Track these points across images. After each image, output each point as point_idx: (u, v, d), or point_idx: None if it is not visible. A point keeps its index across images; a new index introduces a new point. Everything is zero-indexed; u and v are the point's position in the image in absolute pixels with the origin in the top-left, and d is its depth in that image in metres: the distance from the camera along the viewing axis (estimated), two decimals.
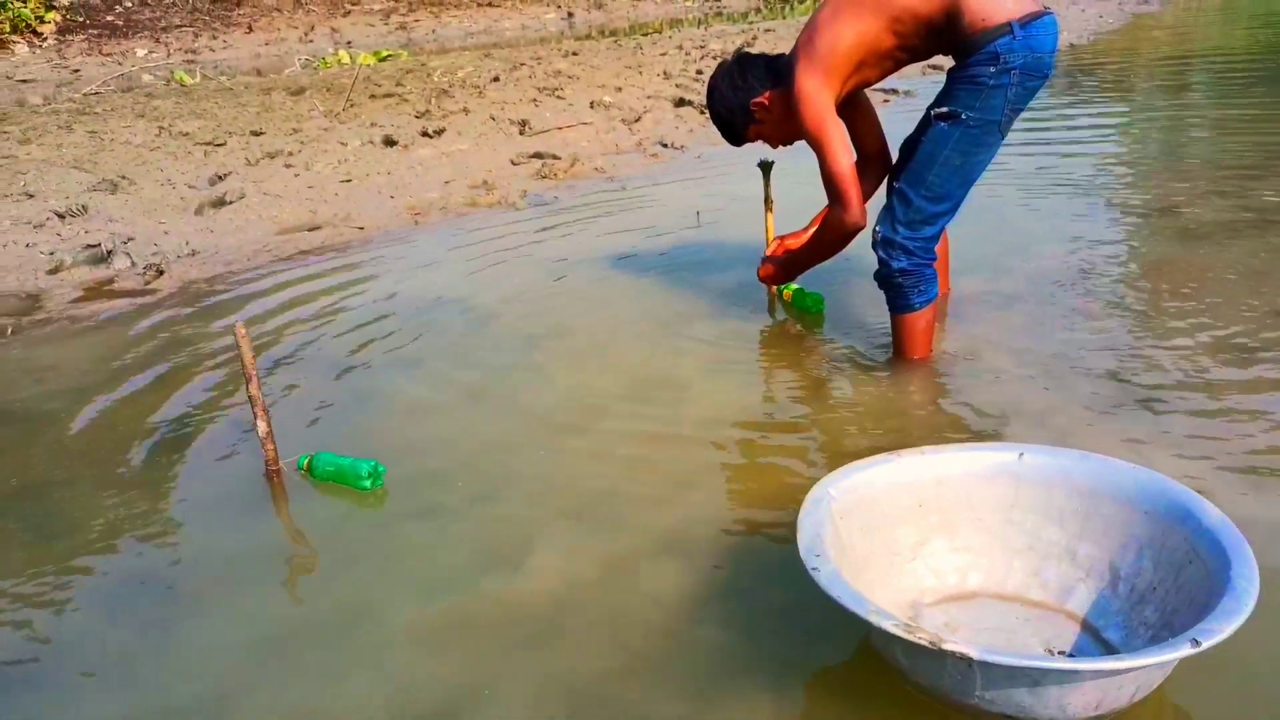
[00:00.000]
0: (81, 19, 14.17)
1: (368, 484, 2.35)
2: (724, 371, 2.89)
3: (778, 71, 2.73)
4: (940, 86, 2.60)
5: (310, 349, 3.28)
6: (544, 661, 1.74)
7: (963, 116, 2.49)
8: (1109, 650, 1.62)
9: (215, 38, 14.36)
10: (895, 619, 1.38)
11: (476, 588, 1.98)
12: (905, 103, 7.45)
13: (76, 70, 11.57)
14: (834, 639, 1.71)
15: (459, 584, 2.00)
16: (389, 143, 6.29)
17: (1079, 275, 3.42)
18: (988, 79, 2.46)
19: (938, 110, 2.55)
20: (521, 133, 6.71)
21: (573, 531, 2.15)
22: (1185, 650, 1.30)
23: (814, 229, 3.01)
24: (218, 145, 6.11)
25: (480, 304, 3.58)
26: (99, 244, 4.34)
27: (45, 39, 13.05)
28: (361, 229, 4.81)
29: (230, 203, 5.05)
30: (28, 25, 12.81)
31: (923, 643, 1.35)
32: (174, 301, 3.85)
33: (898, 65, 2.64)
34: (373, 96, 7.76)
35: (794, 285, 3.31)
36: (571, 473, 2.39)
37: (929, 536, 1.80)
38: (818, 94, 2.55)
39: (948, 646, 1.34)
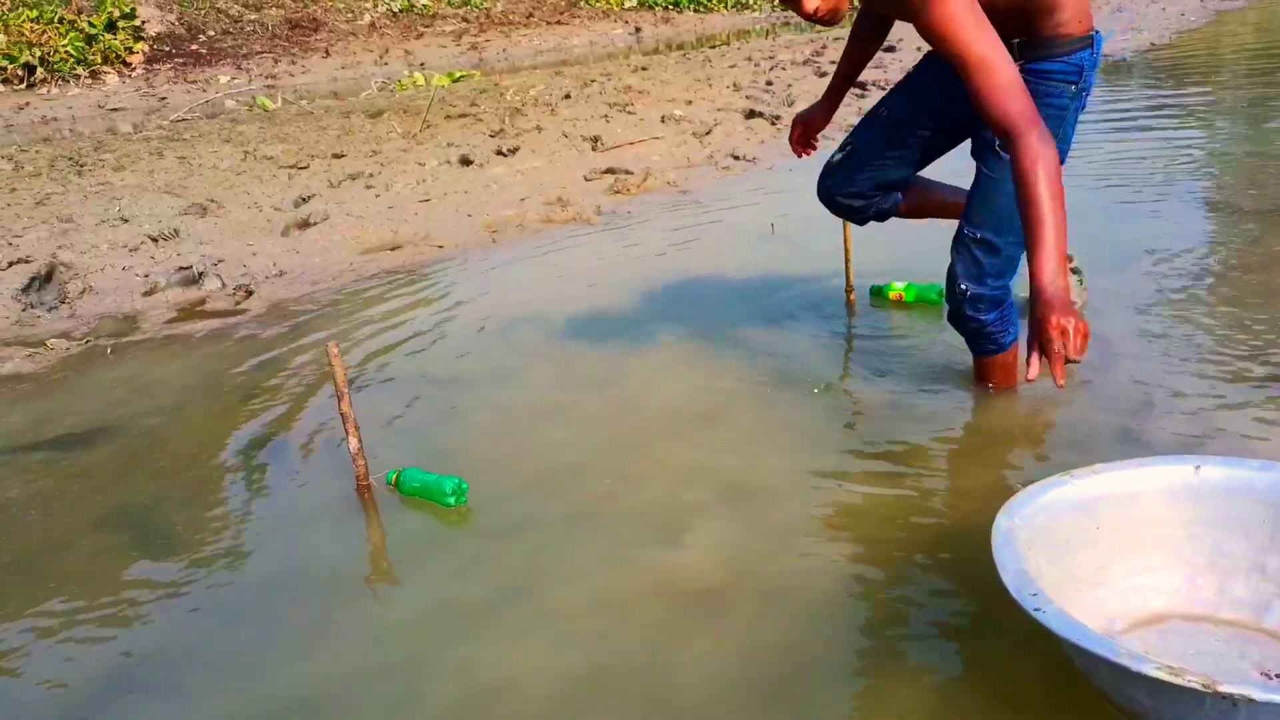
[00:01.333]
0: (168, 48, 14.67)
1: (451, 501, 2.38)
2: (839, 374, 2.95)
3: None
4: None
5: (399, 365, 3.36)
6: (708, 634, 1.83)
7: None
8: None
9: (294, 63, 14.75)
10: (1156, 662, 1.29)
11: (634, 567, 2.07)
12: None
13: (164, 98, 11.98)
14: (999, 630, 1.73)
15: (615, 564, 2.09)
16: (465, 162, 6.39)
17: (1207, 272, 3.47)
18: (1067, 101, 2.22)
19: None
20: (594, 149, 6.77)
21: (725, 514, 2.23)
22: None
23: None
24: (301, 168, 6.28)
25: (567, 318, 3.62)
26: (191, 266, 4.50)
27: (134, 69, 13.54)
28: (441, 247, 4.90)
29: (314, 224, 5.19)
30: (118, 56, 13.29)
31: (1194, 685, 1.25)
32: (263, 321, 3.96)
33: None
34: (448, 117, 7.90)
35: (898, 285, 3.40)
36: (712, 461, 2.47)
37: (1109, 559, 1.73)
38: None
39: (1224, 689, 1.24)
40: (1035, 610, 1.40)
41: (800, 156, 2.91)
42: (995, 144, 2.19)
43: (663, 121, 7.43)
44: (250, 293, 4.28)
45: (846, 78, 2.76)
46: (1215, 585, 1.71)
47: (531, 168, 6.32)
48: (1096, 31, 2.23)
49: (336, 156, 6.60)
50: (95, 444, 2.93)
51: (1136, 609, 1.72)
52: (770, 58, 11.02)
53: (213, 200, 5.54)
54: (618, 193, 5.72)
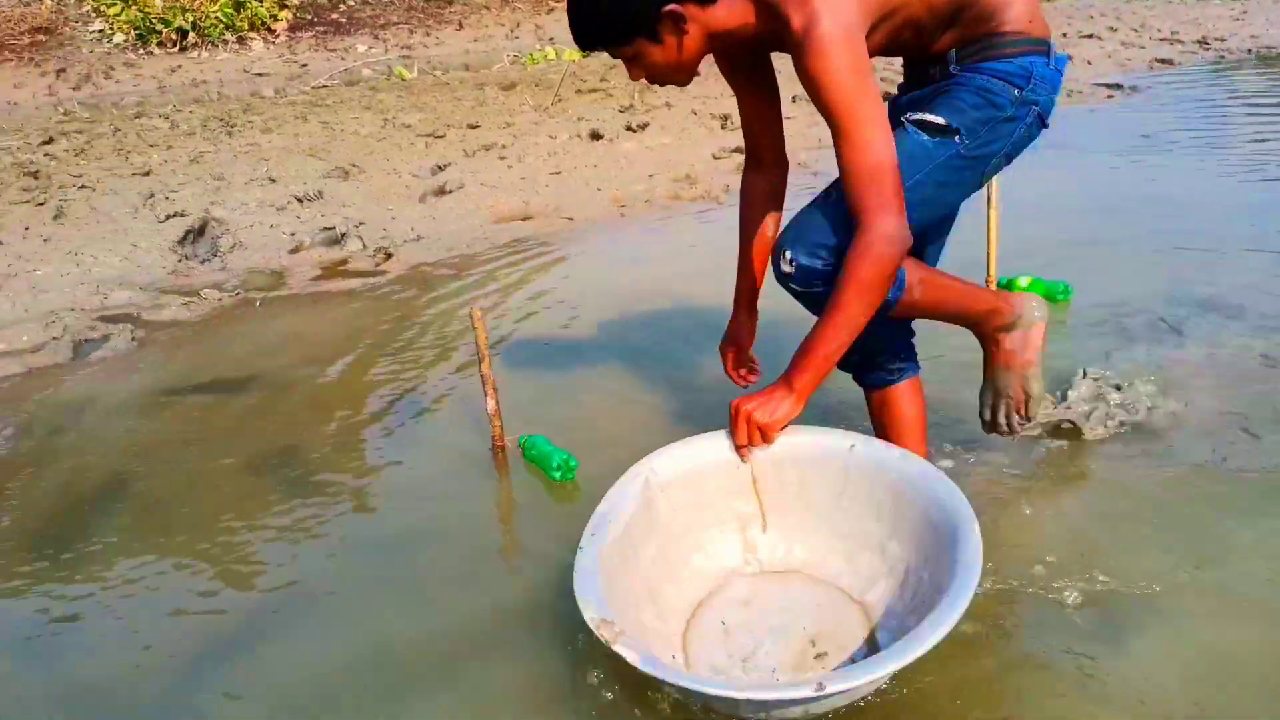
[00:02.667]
0: (309, 17, 15.17)
1: (557, 475, 2.42)
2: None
3: None
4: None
5: (529, 333, 3.43)
6: None
7: (956, 139, 1.80)
8: (874, 649, 1.69)
9: (429, 34, 15.08)
10: (729, 686, 1.47)
11: None
12: (1131, 103, 7.04)
13: (304, 65, 12.41)
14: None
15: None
16: (595, 136, 6.46)
17: None
18: (1006, 103, 1.80)
19: (922, 118, 1.82)
20: (723, 127, 6.75)
21: None
22: (806, 691, 1.36)
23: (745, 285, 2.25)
24: (438, 137, 6.44)
25: (694, 294, 3.64)
26: (334, 227, 4.67)
27: (278, 35, 14.05)
28: (571, 219, 4.98)
29: (450, 192, 5.32)
30: (263, 23, 13.82)
31: (731, 695, 1.40)
32: (402, 283, 4.09)
33: (896, 47, 1.88)
34: (579, 91, 7.98)
35: (1022, 281, 3.35)
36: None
37: (764, 512, 1.89)
38: (851, 39, 1.62)
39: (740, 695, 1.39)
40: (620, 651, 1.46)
41: (744, 385, 2.26)
42: (908, 121, 1.83)
43: (794, 101, 7.34)
44: (390, 255, 4.42)
45: (752, 275, 2.28)
46: (847, 555, 1.84)
47: (661, 144, 6.35)
48: (1052, 43, 1.86)
49: (471, 127, 6.74)
50: (246, 391, 3.08)
51: (774, 560, 1.90)
52: None
53: (354, 165, 5.73)
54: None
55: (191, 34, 12.84)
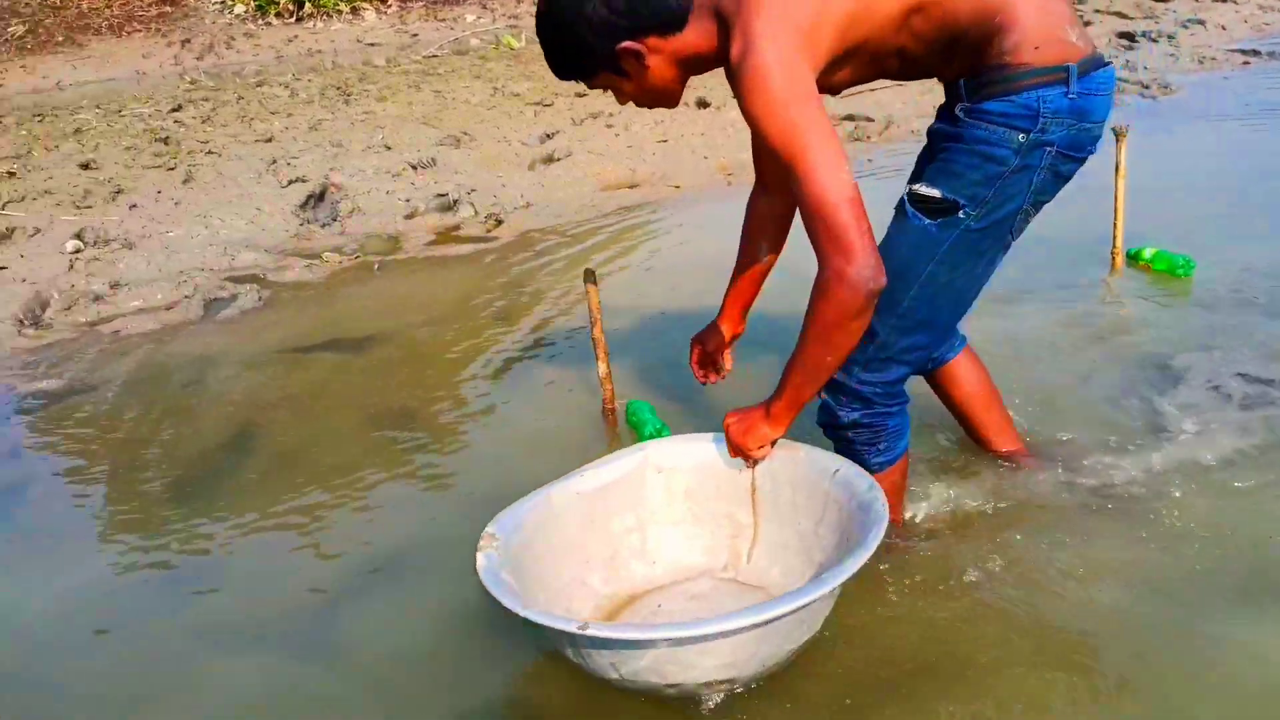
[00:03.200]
0: None
1: None
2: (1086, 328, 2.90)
3: (674, 6, 1.65)
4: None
5: (637, 300, 3.45)
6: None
7: (961, 214, 1.67)
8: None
9: (535, 3, 15.19)
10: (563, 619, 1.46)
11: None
12: (1269, 69, 6.67)
13: (415, 34, 12.60)
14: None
15: None
16: (702, 104, 6.42)
17: None
18: (1010, 156, 1.63)
19: (919, 192, 1.70)
20: (833, 94, 6.64)
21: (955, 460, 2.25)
22: (569, 626, 1.40)
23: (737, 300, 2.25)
24: (546, 105, 6.49)
25: (798, 266, 3.59)
26: (447, 194, 4.77)
27: (389, 5, 14.30)
28: (678, 187, 4.98)
29: (558, 160, 5.37)
30: None
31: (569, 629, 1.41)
32: (512, 248, 4.16)
33: (882, 73, 1.79)
34: None
35: (1146, 253, 3.27)
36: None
37: (757, 526, 1.88)
38: (790, 66, 1.52)
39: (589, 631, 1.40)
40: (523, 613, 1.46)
41: (702, 383, 2.26)
42: (910, 199, 1.73)
43: None
44: (500, 221, 4.50)
45: (741, 293, 2.27)
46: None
47: None
48: (1102, 65, 1.65)
49: (579, 95, 6.76)
50: (367, 349, 3.19)
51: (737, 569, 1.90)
52: None
53: (465, 133, 5.82)
54: (857, 140, 5.61)
55: (308, 4, 13.15)
